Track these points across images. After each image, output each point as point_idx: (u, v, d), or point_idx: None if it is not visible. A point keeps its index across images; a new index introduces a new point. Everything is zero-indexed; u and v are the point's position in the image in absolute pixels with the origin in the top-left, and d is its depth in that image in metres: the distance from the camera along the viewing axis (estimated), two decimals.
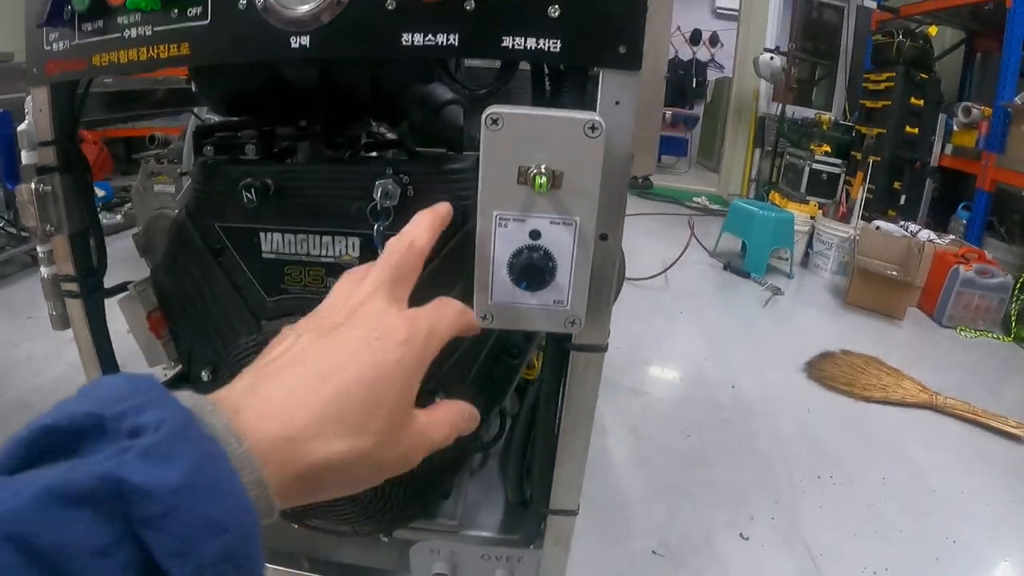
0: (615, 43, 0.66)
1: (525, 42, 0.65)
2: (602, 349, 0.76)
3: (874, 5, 5.19)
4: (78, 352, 1.04)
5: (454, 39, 0.64)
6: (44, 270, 1.00)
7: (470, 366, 0.87)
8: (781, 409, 2.31)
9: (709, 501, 1.78)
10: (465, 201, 0.81)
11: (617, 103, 0.67)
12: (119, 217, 3.78)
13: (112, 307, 1.03)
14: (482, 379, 0.89)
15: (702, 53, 9.07)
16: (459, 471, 1.02)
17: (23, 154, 0.93)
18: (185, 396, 0.32)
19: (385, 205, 0.77)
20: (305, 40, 0.66)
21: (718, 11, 8.83)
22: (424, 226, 0.50)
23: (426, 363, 0.42)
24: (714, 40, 8.98)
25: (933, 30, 4.74)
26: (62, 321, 1.03)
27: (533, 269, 0.59)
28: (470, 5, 0.63)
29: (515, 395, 1.01)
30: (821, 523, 1.74)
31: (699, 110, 8.76)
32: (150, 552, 0.26)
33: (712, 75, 8.87)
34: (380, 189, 0.77)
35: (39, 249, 0.99)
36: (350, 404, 0.37)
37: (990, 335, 3.28)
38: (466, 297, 0.83)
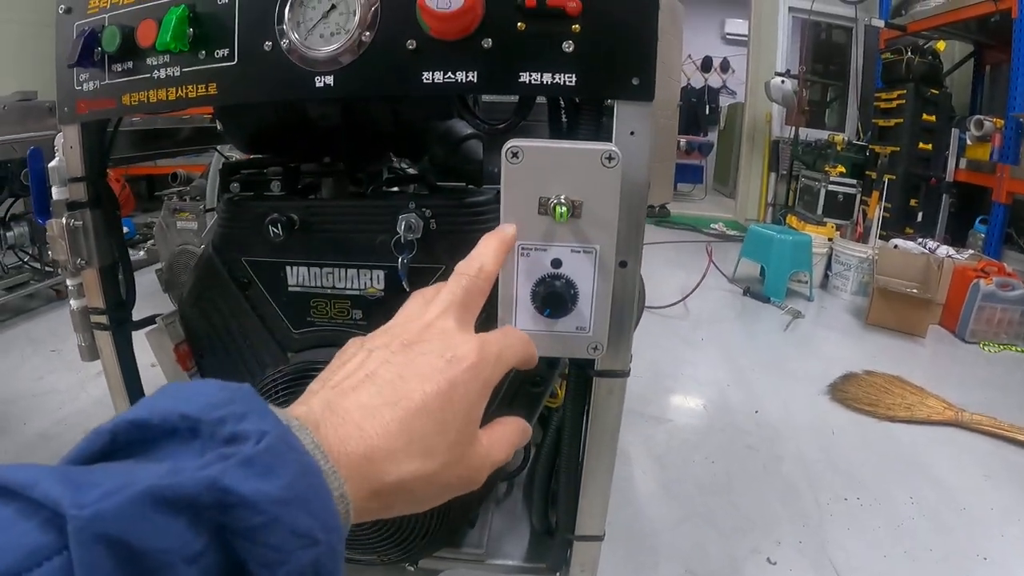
0: (628, 75, 0.68)
1: (541, 77, 0.67)
2: (624, 374, 0.77)
3: (882, 24, 5.21)
4: (107, 383, 1.06)
5: (473, 76, 0.66)
6: (74, 303, 1.02)
7: (493, 396, 0.87)
8: (805, 432, 2.29)
9: (735, 527, 1.75)
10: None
11: (632, 133, 0.69)
12: (141, 253, 3.86)
13: (139, 340, 1.05)
14: (505, 409, 0.89)
15: (714, 80, 9.13)
16: (486, 499, 1.02)
17: (54, 190, 0.96)
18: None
19: (409, 238, 0.78)
20: (329, 80, 0.68)
21: (727, 37, 8.91)
22: (492, 250, 0.50)
23: (491, 387, 0.43)
24: (725, 66, 9.04)
25: (941, 45, 4.75)
26: (91, 353, 1.05)
27: (556, 297, 0.60)
28: (488, 43, 0.66)
29: (538, 424, 1.02)
30: (849, 545, 1.71)
31: (713, 137, 8.80)
32: (237, 560, 0.26)
33: (724, 101, 8.93)
34: (403, 223, 0.78)
35: (69, 283, 1.01)
36: (419, 427, 0.37)
37: (1014, 348, 3.23)
38: (489, 325, 0.85)
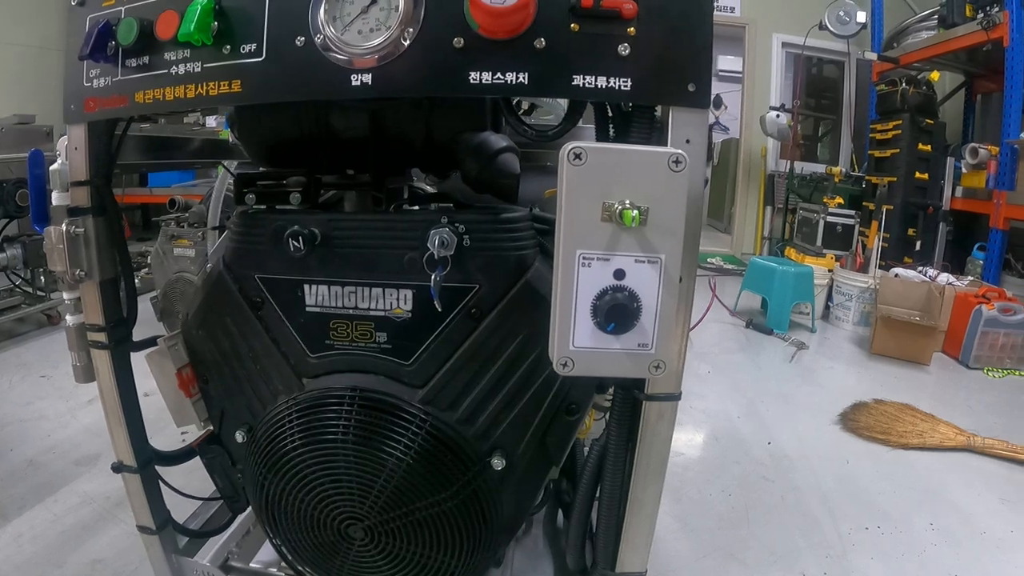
0: (684, 81, 0.64)
1: (595, 81, 0.63)
2: (676, 397, 0.71)
3: (875, 57, 5.26)
4: (102, 407, 0.98)
5: (524, 77, 0.62)
6: (70, 318, 0.95)
7: (528, 425, 0.82)
8: (820, 462, 2.23)
9: (757, 561, 1.68)
10: (523, 251, 0.78)
11: (688, 141, 0.65)
12: (136, 282, 3.78)
13: (138, 364, 0.98)
14: (539, 438, 0.83)
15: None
16: (515, 535, 0.95)
17: (54, 195, 0.89)
18: None
19: (442, 254, 0.73)
20: (367, 78, 0.64)
21: (720, 74, 8.94)
22: None
23: None
24: (717, 103, 9.08)
25: (935, 75, 4.80)
26: (86, 373, 0.97)
27: (620, 310, 0.55)
28: (540, 43, 0.61)
29: (569, 457, 0.95)
30: (874, 575, 1.64)
31: (707, 172, 8.82)
32: None
33: (717, 137, 8.96)
34: (436, 238, 0.73)
35: (66, 296, 0.94)
36: None
37: (1018, 373, 3.22)
38: (529, 347, 0.80)
